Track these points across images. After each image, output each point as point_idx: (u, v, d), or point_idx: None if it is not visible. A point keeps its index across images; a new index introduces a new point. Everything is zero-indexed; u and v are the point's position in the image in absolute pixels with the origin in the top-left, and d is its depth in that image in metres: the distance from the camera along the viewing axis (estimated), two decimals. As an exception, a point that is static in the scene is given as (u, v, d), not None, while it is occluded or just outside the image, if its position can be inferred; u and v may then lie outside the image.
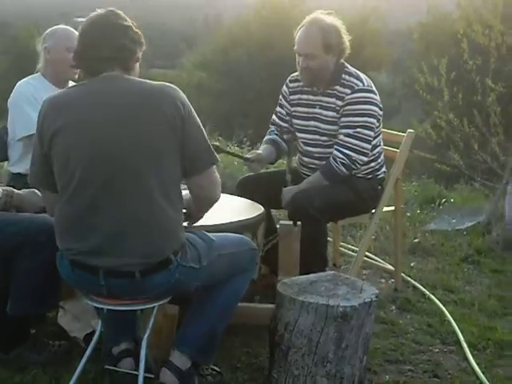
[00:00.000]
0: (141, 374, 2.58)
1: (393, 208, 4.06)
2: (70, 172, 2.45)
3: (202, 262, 2.61)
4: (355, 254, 4.40)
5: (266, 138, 3.97)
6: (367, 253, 4.69)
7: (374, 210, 3.87)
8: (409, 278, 4.28)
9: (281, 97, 3.95)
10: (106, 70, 2.51)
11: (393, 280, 4.24)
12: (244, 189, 3.85)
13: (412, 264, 4.59)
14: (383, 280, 4.34)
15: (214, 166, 2.59)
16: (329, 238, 4.86)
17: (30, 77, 3.73)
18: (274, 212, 4.11)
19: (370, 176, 3.79)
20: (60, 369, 2.93)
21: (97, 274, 2.47)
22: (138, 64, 2.62)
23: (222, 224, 3.05)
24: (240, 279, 2.82)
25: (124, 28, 2.53)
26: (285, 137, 3.94)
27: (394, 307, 3.88)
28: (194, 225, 2.84)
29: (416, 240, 5.05)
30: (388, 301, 3.96)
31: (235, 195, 3.81)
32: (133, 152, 2.41)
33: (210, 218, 3.10)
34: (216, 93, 26.59)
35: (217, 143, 3.94)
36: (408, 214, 5.66)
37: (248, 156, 3.84)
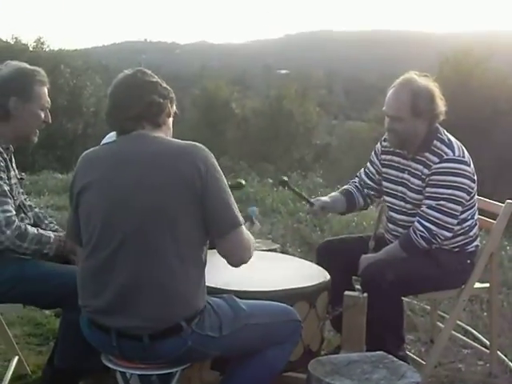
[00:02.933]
0: None
1: (487, 285, 3.70)
2: (91, 230, 2.45)
3: (223, 331, 2.49)
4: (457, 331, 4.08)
5: (343, 187, 3.83)
6: (473, 331, 4.34)
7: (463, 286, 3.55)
8: (510, 363, 3.86)
9: (373, 153, 3.76)
10: (136, 128, 2.51)
11: (492, 363, 3.84)
12: (324, 252, 3.69)
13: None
14: (481, 362, 3.94)
15: (241, 227, 2.47)
16: (426, 307, 4.57)
17: None
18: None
19: (457, 249, 3.47)
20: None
21: (109, 334, 2.44)
22: (170, 119, 2.61)
23: (267, 291, 2.91)
24: (277, 351, 2.66)
25: (151, 84, 2.54)
26: (365, 191, 3.78)
27: (480, 395, 3.51)
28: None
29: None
30: (476, 387, 3.59)
31: (315, 259, 3.67)
32: (147, 215, 2.37)
33: (260, 282, 3.00)
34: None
35: (285, 178, 3.85)
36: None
37: (312, 201, 3.72)
